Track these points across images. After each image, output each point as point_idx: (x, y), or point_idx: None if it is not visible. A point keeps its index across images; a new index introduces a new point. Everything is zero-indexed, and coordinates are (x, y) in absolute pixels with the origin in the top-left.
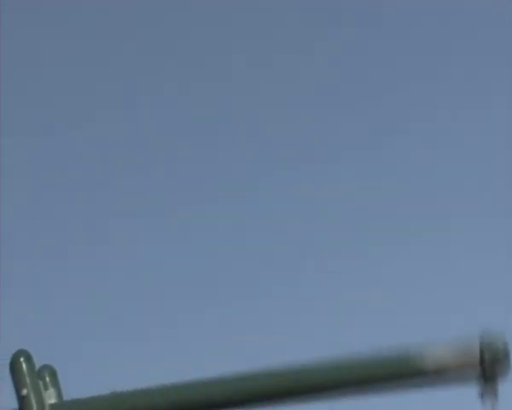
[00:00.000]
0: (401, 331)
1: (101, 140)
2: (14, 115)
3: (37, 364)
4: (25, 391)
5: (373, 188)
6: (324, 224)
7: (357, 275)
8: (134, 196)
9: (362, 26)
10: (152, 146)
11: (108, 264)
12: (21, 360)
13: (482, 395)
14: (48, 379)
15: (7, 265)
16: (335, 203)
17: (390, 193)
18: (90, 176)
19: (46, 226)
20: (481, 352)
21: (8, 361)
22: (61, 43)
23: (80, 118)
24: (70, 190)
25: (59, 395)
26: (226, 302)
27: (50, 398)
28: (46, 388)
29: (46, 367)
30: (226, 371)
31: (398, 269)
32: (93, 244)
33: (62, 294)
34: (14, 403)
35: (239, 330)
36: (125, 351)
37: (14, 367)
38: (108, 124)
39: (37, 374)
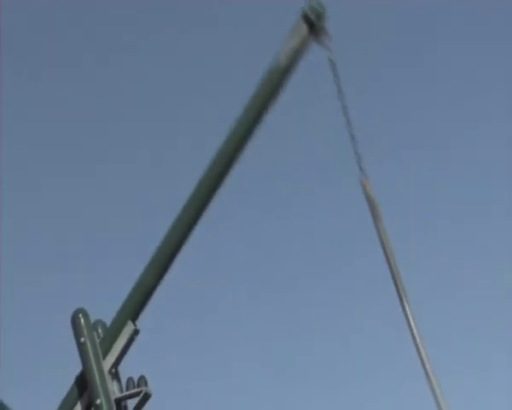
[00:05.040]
0: None
1: None
2: None
3: (92, 319)
4: (82, 339)
5: None
6: None
7: None
8: None
9: None
10: None
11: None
12: (80, 315)
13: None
14: (100, 331)
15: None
16: None
17: None
18: None
19: None
20: (305, 16)
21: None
22: None
23: None
24: None
25: None
26: None
27: None
28: (99, 337)
29: (99, 322)
30: None
31: None
32: None
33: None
34: (75, 348)
35: None
36: None
37: (74, 321)
38: None
39: (92, 327)
